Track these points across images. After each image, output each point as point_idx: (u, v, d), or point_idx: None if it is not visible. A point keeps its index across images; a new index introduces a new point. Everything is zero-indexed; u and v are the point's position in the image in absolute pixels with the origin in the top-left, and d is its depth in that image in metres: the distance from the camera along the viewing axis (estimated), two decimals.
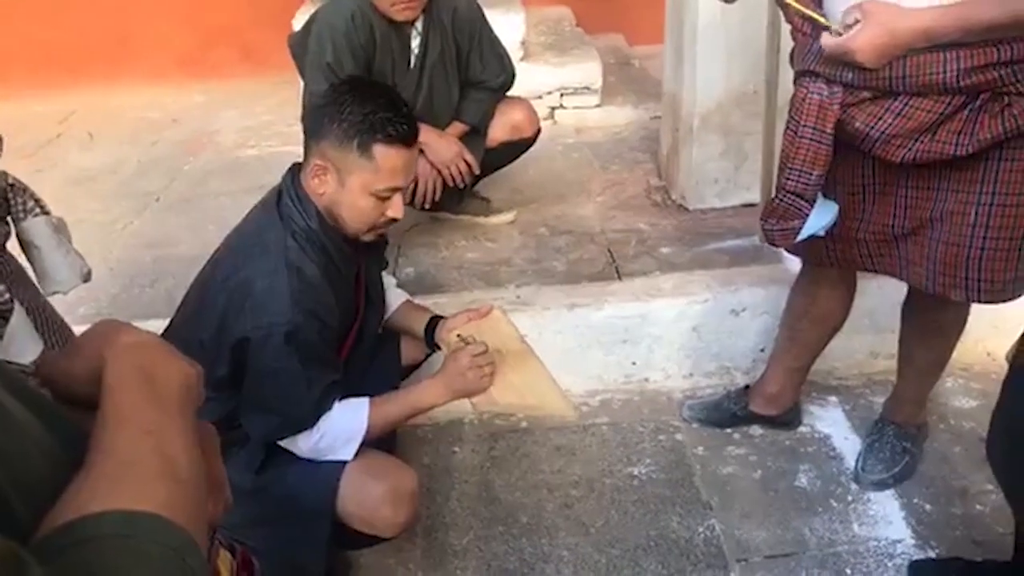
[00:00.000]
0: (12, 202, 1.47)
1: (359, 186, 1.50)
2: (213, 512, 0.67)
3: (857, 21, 1.41)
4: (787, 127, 1.59)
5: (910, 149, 1.50)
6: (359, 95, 1.49)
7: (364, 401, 1.56)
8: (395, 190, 1.53)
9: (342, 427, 1.53)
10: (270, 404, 1.50)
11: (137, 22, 4.35)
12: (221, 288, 1.50)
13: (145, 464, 0.55)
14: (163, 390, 0.61)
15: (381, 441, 1.68)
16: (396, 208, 1.54)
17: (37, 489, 0.52)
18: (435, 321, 1.80)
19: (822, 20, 1.48)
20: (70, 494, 0.52)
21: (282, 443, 1.54)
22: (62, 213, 1.61)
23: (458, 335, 1.73)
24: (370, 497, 1.51)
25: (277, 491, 1.54)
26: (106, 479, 0.53)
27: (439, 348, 1.78)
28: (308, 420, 1.51)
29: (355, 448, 1.54)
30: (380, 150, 1.47)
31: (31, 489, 0.52)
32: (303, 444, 1.53)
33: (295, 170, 1.58)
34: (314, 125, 1.53)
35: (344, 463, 1.53)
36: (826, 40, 1.45)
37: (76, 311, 2.33)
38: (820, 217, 1.62)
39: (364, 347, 1.75)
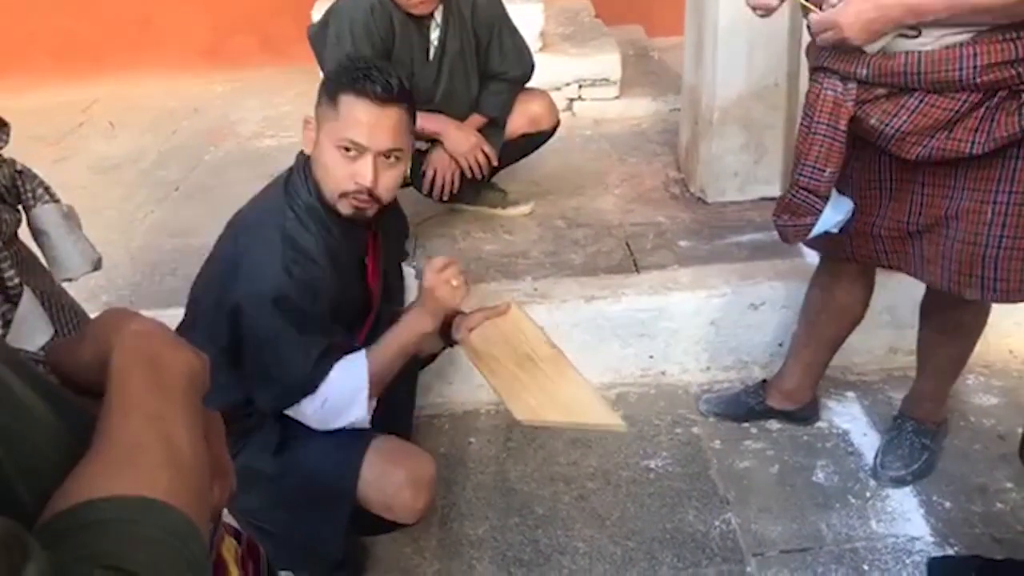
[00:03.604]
0: (21, 189, 1.48)
1: (325, 137, 1.49)
2: (218, 499, 0.68)
3: None
4: (801, 123, 1.58)
5: (925, 147, 1.48)
6: (355, 61, 1.51)
7: (360, 354, 1.55)
8: (357, 146, 1.47)
9: (343, 385, 1.51)
10: (270, 372, 1.50)
11: (158, 12, 4.37)
12: (220, 260, 1.53)
13: (149, 451, 0.55)
14: (168, 378, 0.61)
15: (399, 430, 1.70)
16: (365, 174, 1.47)
17: (42, 472, 0.53)
18: (452, 316, 1.79)
19: (809, 6, 1.47)
20: (74, 479, 0.52)
21: (290, 413, 1.54)
22: (85, 202, 1.63)
23: (470, 329, 1.72)
24: (390, 482, 1.52)
25: (298, 475, 1.55)
26: (110, 465, 0.54)
27: (456, 344, 1.77)
28: (308, 385, 1.49)
29: (364, 406, 1.52)
30: (345, 99, 1.47)
31: (36, 471, 0.53)
32: (308, 410, 1.52)
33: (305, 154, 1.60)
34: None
35: (365, 447, 1.53)
36: (813, 17, 1.44)
37: (99, 299, 2.36)
38: (834, 214, 1.61)
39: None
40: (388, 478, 1.52)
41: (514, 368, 1.68)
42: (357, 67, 1.48)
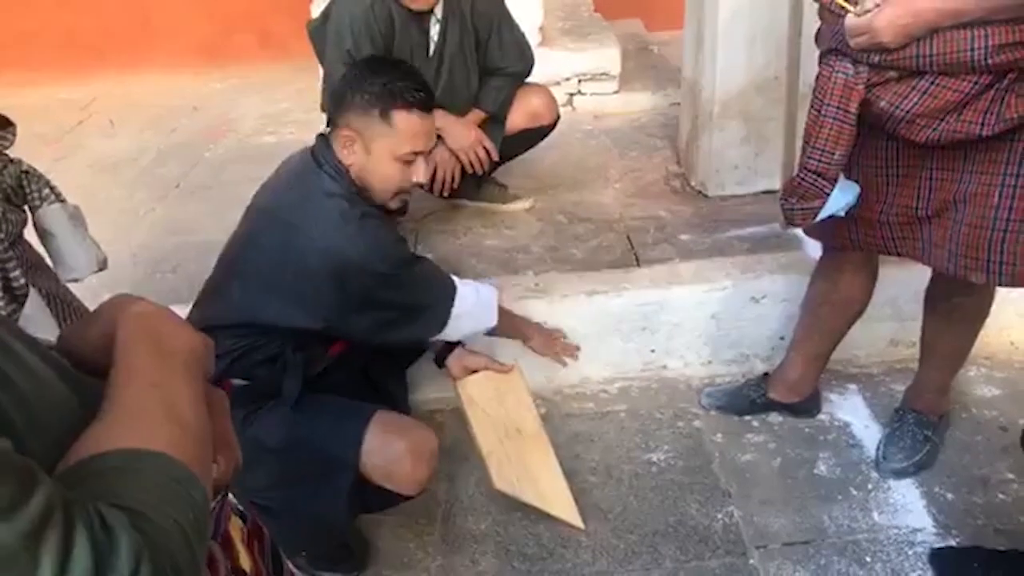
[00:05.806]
0: (27, 190, 1.49)
1: (384, 152, 1.59)
2: (224, 470, 0.70)
3: (877, 5, 1.41)
4: (811, 106, 1.58)
5: (935, 129, 1.49)
6: (376, 68, 1.61)
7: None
8: (417, 154, 1.62)
9: (478, 294, 1.80)
10: (421, 302, 1.71)
11: (157, 10, 4.38)
12: (311, 267, 1.55)
13: (151, 412, 0.59)
14: (170, 350, 0.65)
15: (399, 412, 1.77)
16: (419, 172, 1.64)
17: (55, 436, 0.56)
18: (450, 344, 1.88)
19: (847, 6, 1.47)
20: (81, 440, 0.56)
21: (454, 324, 1.72)
22: (85, 200, 1.63)
23: (470, 371, 1.87)
24: (392, 450, 1.56)
25: (303, 448, 1.58)
26: (114, 423, 0.57)
27: (444, 366, 1.89)
28: (451, 287, 1.73)
29: (495, 309, 1.83)
30: (400, 115, 1.58)
31: (48, 432, 0.55)
32: (465, 306, 1.73)
33: (325, 141, 1.64)
34: (338, 100, 1.62)
35: (369, 418, 1.59)
36: (849, 20, 1.45)
37: (100, 297, 2.34)
38: (841, 197, 1.62)
39: None
40: (390, 447, 1.56)
41: (501, 436, 1.82)
42: (400, 81, 1.58)
